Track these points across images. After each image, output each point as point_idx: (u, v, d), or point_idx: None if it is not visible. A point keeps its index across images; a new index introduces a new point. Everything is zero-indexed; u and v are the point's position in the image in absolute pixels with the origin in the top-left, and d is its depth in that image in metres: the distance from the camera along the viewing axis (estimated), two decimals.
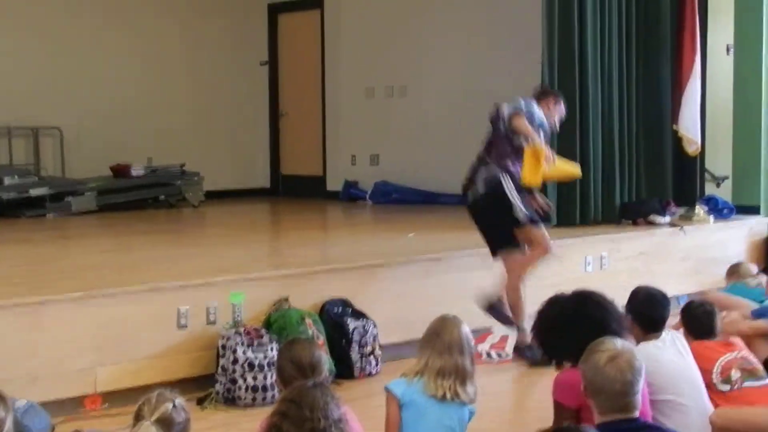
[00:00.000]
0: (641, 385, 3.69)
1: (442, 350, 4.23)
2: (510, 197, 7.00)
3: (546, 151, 6.85)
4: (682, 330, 5.34)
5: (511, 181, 7.04)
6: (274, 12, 14.33)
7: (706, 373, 4.91)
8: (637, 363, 3.67)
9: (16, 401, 5.20)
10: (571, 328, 4.31)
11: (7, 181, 11.11)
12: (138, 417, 3.42)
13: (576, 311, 4.39)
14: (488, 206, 7.10)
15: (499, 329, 7.44)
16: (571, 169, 7.68)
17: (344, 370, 6.62)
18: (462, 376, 4.23)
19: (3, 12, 12.11)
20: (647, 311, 4.93)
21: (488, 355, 7.26)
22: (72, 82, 12.60)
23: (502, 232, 7.08)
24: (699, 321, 5.36)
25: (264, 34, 14.38)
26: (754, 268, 7.70)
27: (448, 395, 4.19)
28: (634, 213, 9.65)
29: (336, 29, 13.54)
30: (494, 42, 11.87)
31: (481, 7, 11.93)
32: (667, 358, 4.69)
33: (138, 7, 13.23)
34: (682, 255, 9.33)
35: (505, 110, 7.07)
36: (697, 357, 4.93)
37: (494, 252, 7.17)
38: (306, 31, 13.97)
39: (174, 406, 3.41)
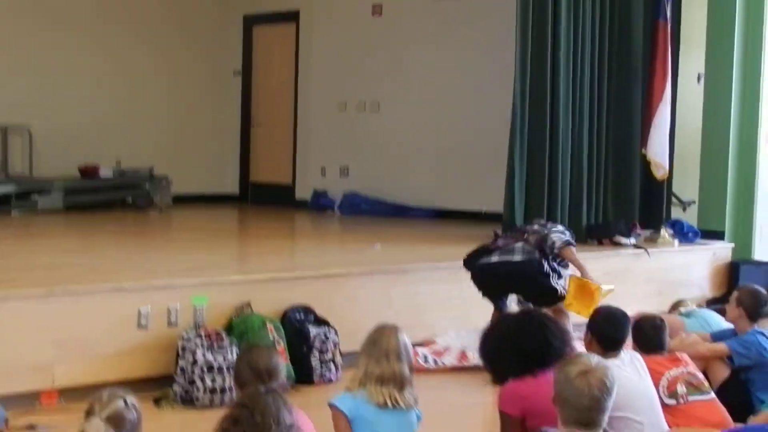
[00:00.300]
0: (609, 404, 3.67)
1: (380, 357, 4.24)
2: (552, 280, 7.00)
3: (603, 288, 6.92)
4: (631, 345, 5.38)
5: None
6: (249, 23, 14.33)
7: None
8: (608, 382, 3.65)
9: None
10: (513, 346, 4.37)
11: None
12: (89, 414, 3.41)
13: (518, 330, 4.45)
14: (522, 273, 7.01)
15: (445, 340, 7.48)
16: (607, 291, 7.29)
17: (304, 376, 6.63)
18: (400, 382, 4.25)
19: None
20: (606, 330, 4.95)
21: (425, 358, 7.26)
22: (43, 82, 12.55)
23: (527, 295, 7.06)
24: (647, 336, 5.42)
25: (239, 44, 14.38)
26: (692, 307, 7.78)
27: (389, 402, 4.21)
28: (599, 233, 9.69)
29: (310, 42, 13.56)
30: (467, 60, 11.94)
31: (455, 25, 11.99)
32: (625, 377, 4.71)
33: (113, 12, 13.19)
34: (646, 276, 9.36)
35: (556, 239, 7.05)
36: None
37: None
38: (280, 44, 13.99)
39: (125, 404, 3.41)
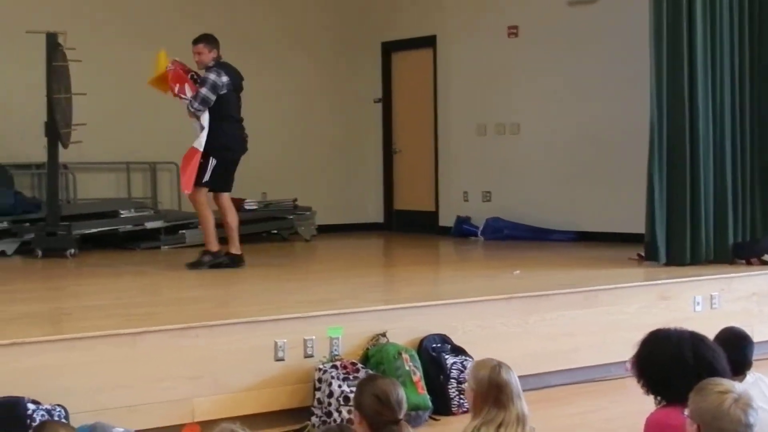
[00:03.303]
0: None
1: (505, 402, 4.09)
2: None
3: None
4: None
5: None
6: (387, 50, 14.45)
7: None
8: (754, 405, 3.55)
9: (114, 429, 5.33)
10: (687, 371, 4.12)
11: (124, 213, 11.42)
12: None
13: (696, 357, 4.18)
14: None
15: None
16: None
17: (441, 406, 6.59)
18: (523, 422, 4.12)
19: (120, 52, 12.45)
20: (731, 352, 4.72)
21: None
22: (187, 121, 12.85)
23: None
24: None
25: (378, 72, 14.50)
26: None
27: None
28: (747, 252, 9.38)
29: (448, 67, 13.58)
30: (604, 80, 11.80)
31: (592, 45, 11.90)
32: None
33: (255, 44, 13.47)
34: None
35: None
36: None
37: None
38: (419, 69, 14.06)
39: None
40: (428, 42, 13.77)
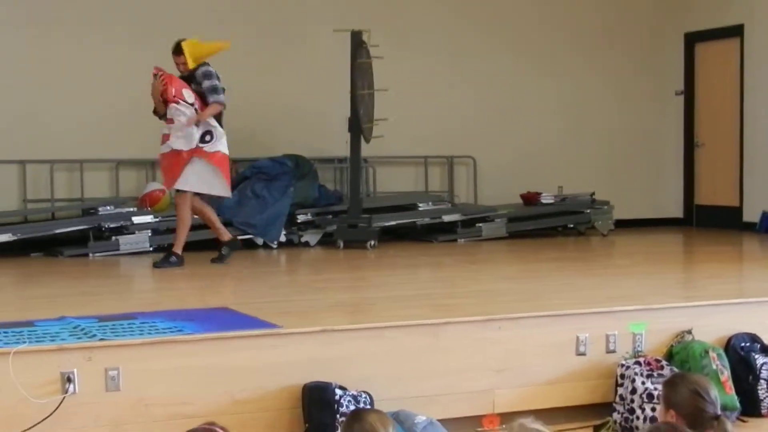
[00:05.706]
0: None
1: None
2: None
3: None
4: None
5: None
6: (691, 41, 14.02)
7: None
8: None
9: (417, 416, 5.41)
10: None
11: (422, 207, 11.62)
12: None
13: None
14: None
15: None
16: None
17: (750, 408, 6.31)
18: None
19: (416, 50, 12.66)
20: None
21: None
22: (486, 115, 13.01)
23: None
24: None
25: (680, 63, 14.10)
26: None
27: None
28: None
29: (757, 57, 13.01)
30: None
31: None
32: None
33: (552, 39, 13.41)
34: None
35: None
36: None
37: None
38: (724, 60, 13.55)
39: None
40: (735, 31, 13.25)
